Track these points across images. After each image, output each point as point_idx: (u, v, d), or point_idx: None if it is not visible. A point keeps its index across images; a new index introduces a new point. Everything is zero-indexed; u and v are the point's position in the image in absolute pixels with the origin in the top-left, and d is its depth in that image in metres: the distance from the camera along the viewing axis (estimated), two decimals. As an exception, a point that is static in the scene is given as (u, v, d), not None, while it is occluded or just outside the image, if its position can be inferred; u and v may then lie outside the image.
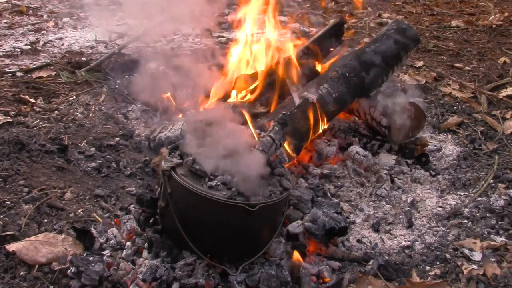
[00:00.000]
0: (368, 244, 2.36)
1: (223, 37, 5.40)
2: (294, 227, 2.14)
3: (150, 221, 2.07)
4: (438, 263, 2.23)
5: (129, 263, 2.00)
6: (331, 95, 2.87)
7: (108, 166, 2.80)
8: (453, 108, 3.82)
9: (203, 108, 3.16)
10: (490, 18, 6.00)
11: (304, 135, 2.75)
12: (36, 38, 5.02)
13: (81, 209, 2.38)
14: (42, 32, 5.25)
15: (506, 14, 6.11)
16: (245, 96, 3.07)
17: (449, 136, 3.47)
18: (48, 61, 4.31)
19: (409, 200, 2.72)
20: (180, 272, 1.86)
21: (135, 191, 2.60)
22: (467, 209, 2.63)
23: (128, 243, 2.09)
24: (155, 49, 4.77)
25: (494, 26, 5.75)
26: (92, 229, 2.17)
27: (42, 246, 2.02)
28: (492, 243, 2.32)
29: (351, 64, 3.02)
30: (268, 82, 3.07)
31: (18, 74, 4.00)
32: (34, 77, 3.94)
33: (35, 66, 4.19)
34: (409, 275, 2.12)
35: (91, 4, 6.33)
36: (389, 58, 3.11)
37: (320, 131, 2.92)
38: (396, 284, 2.04)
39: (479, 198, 2.72)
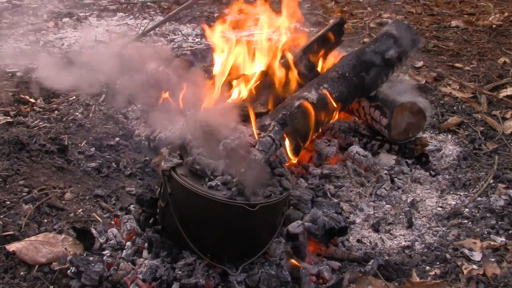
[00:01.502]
0: (368, 244, 2.36)
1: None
2: (294, 227, 2.14)
3: (150, 221, 2.07)
4: (438, 263, 2.23)
5: (129, 263, 2.01)
6: (331, 95, 2.86)
7: (108, 166, 2.80)
8: (453, 108, 3.82)
9: (203, 108, 3.16)
10: (490, 18, 5.99)
11: (303, 136, 2.75)
12: (36, 38, 5.01)
13: (81, 209, 2.38)
14: (42, 32, 5.24)
15: (506, 14, 6.10)
16: (245, 96, 3.07)
17: (449, 136, 3.47)
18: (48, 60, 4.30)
19: (409, 200, 2.72)
20: (180, 272, 1.86)
21: (135, 191, 2.60)
22: (467, 209, 2.63)
23: (128, 243, 2.09)
24: (155, 48, 4.77)
25: (494, 26, 5.74)
26: (92, 229, 2.17)
27: (42, 246, 2.02)
28: (492, 243, 2.32)
29: (351, 64, 3.02)
30: (268, 82, 3.06)
31: (18, 74, 3.99)
32: (34, 77, 3.94)
33: (35, 66, 4.18)
34: (409, 275, 2.12)
35: (91, 4, 6.34)
36: (389, 58, 3.10)
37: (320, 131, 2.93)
38: (396, 284, 2.04)
39: (479, 198, 2.72)
